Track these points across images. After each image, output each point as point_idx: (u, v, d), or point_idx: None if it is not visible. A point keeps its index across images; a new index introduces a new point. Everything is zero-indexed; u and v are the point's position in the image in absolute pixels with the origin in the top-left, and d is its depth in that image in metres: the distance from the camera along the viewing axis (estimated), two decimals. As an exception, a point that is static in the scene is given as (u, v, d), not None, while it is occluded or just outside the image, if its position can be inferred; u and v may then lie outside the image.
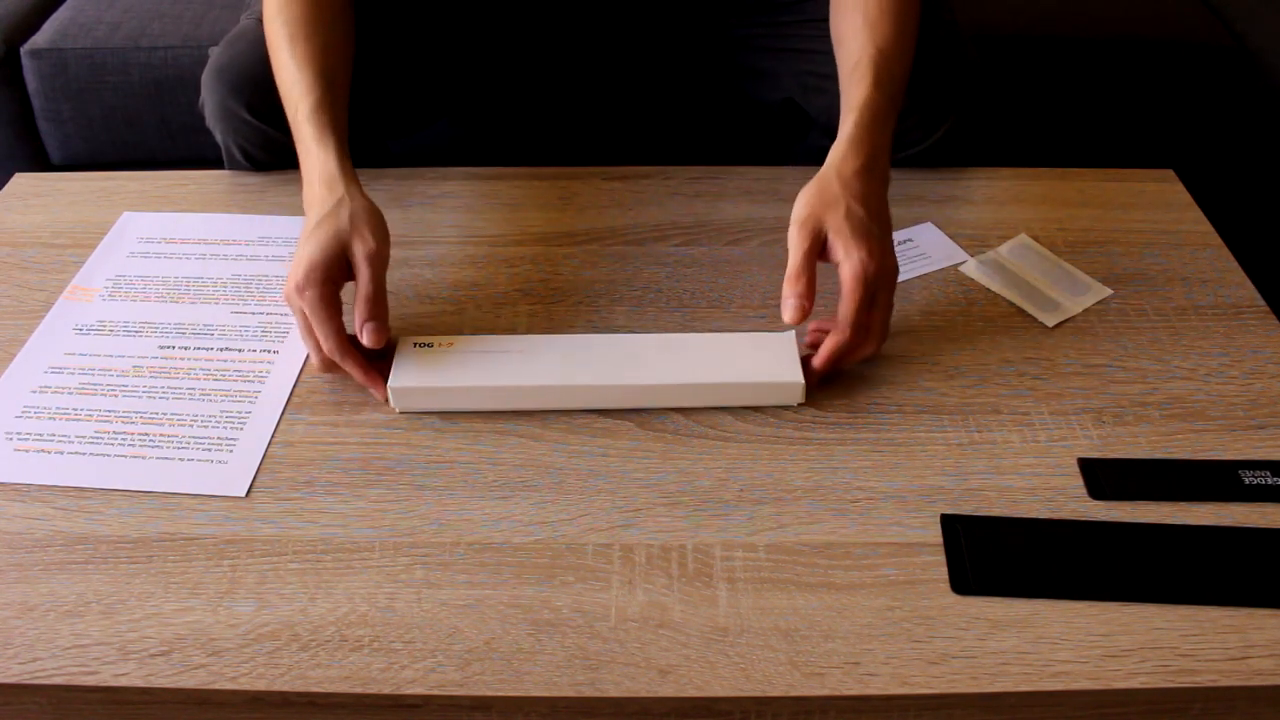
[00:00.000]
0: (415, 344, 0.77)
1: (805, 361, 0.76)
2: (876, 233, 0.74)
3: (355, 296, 0.75)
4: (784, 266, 0.77)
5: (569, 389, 0.75)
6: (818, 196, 0.75)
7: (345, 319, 0.75)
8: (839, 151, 0.78)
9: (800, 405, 0.76)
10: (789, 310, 0.73)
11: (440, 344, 0.77)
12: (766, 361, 0.76)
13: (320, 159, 0.79)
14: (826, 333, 0.76)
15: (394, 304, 0.85)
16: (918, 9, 0.87)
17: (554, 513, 0.68)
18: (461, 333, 0.82)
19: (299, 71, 0.82)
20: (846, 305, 0.73)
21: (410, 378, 0.75)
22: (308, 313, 0.73)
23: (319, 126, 0.79)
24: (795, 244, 0.74)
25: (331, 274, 0.74)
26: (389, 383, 0.74)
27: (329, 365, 0.75)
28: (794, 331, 0.77)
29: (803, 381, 0.74)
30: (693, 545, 0.66)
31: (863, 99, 0.79)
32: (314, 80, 0.81)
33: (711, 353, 0.77)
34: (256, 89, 0.93)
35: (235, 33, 1.00)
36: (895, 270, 0.76)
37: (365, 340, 0.74)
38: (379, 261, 0.75)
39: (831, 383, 0.77)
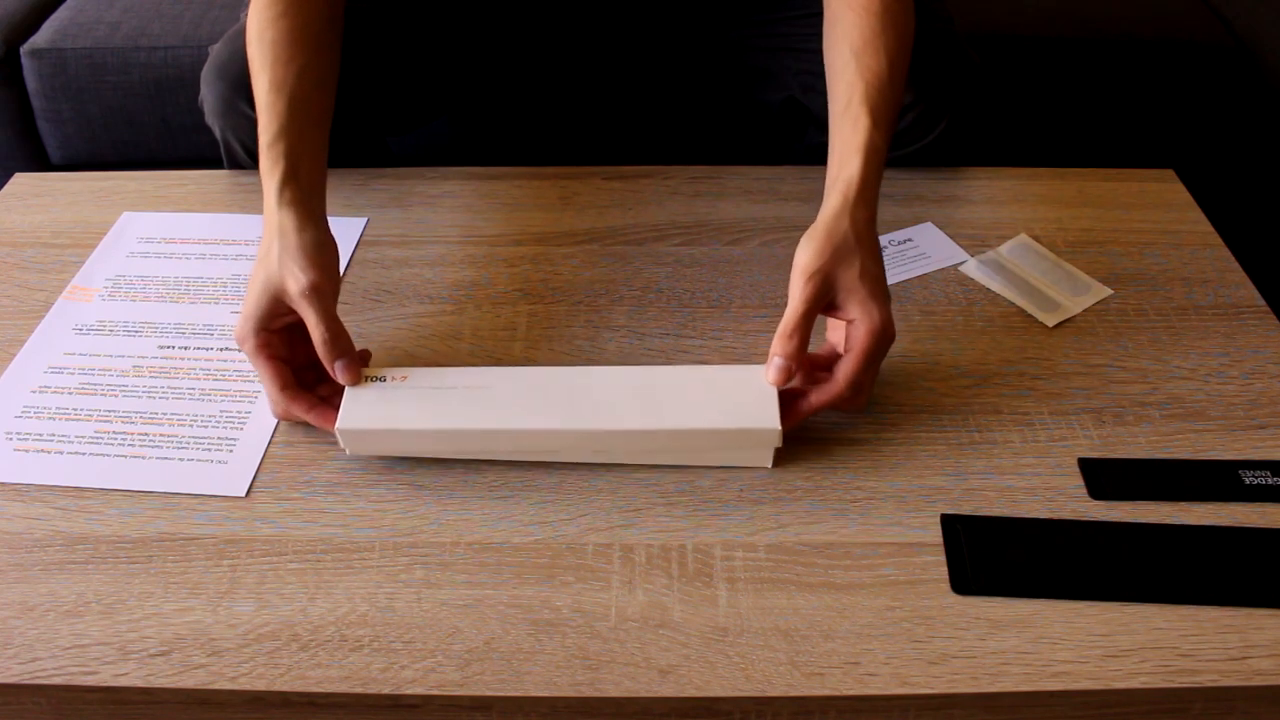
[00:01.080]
0: (366, 378, 0.72)
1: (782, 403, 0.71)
2: (887, 295, 0.71)
3: (312, 338, 0.70)
4: (784, 266, 0.77)
5: (529, 434, 0.69)
6: (829, 247, 0.70)
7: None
8: (846, 198, 0.72)
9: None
10: (775, 371, 0.69)
11: (394, 378, 0.72)
12: (743, 405, 0.70)
13: (266, 191, 0.75)
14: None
15: (394, 303, 0.85)
16: (908, 35, 0.82)
17: (554, 513, 0.68)
18: (461, 336, 0.82)
19: (265, 99, 0.78)
20: (853, 365, 0.69)
21: (360, 419, 0.70)
22: (252, 365, 0.72)
23: (271, 159, 0.75)
24: (798, 296, 0.70)
25: (266, 323, 0.71)
26: (337, 425, 0.69)
27: (283, 415, 0.73)
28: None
29: (779, 428, 0.69)
30: (693, 545, 0.66)
31: (864, 141, 0.74)
32: (278, 110, 0.77)
33: (685, 395, 0.71)
34: None
35: (236, 29, 1.00)
36: (893, 333, 0.71)
37: (341, 379, 0.71)
38: (318, 296, 0.70)
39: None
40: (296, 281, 0.70)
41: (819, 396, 0.70)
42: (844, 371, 0.70)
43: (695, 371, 0.74)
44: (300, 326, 0.72)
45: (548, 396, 0.71)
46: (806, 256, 0.70)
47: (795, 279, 0.70)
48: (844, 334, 0.72)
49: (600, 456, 0.71)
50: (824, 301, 0.70)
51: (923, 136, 0.97)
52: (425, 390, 0.71)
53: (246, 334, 0.71)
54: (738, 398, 0.70)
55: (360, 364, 0.72)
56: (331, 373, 0.71)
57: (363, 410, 0.70)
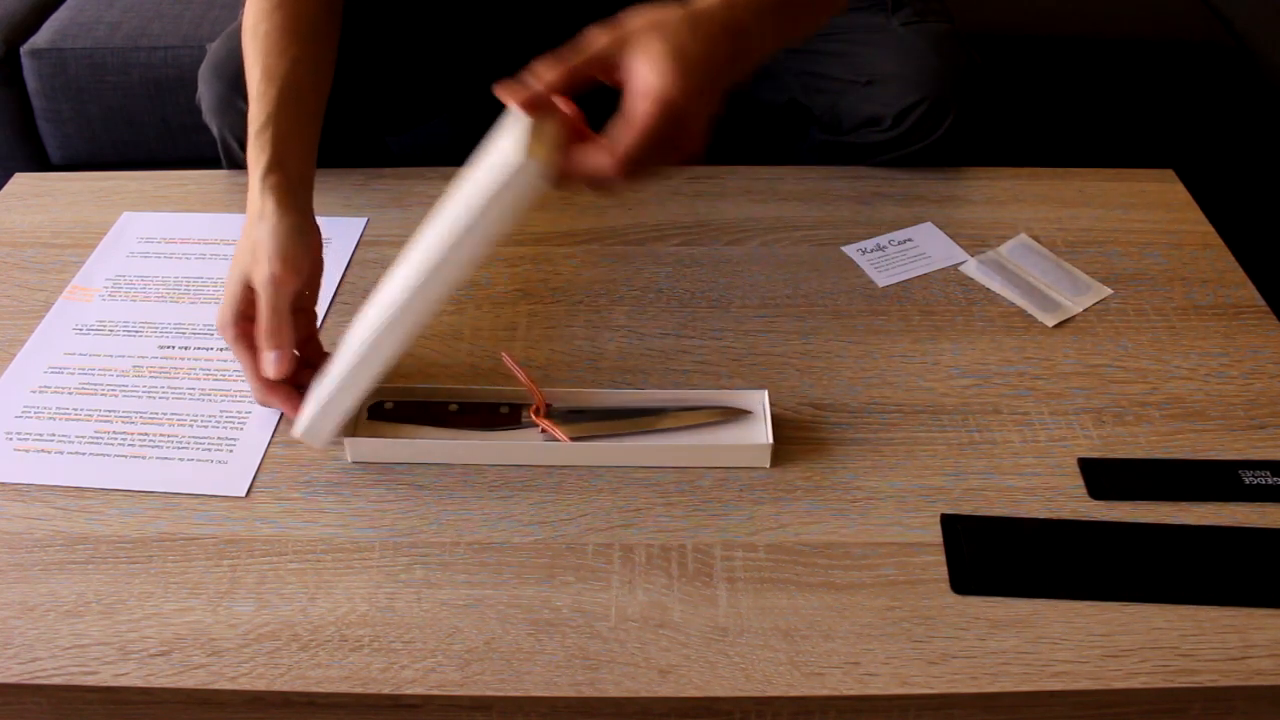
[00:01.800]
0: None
1: None
2: (691, 86, 0.59)
3: (258, 320, 0.70)
4: (784, 266, 0.77)
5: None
6: (644, 21, 0.62)
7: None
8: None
9: (799, 406, 0.75)
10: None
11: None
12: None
13: (251, 180, 0.75)
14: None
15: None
16: None
17: (554, 513, 0.68)
18: (461, 336, 0.82)
19: (256, 87, 0.78)
20: (629, 133, 0.60)
21: (314, 425, 0.70)
22: (233, 355, 0.73)
23: (259, 147, 0.75)
24: (586, 48, 0.62)
25: (244, 310, 0.71)
26: (293, 431, 0.71)
27: (264, 402, 0.73)
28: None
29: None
30: (693, 545, 0.66)
31: None
32: (269, 98, 0.77)
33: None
34: None
35: (233, 27, 1.00)
36: (698, 150, 0.62)
37: (267, 371, 0.70)
38: (273, 286, 0.69)
39: (831, 381, 0.77)
40: (260, 270, 0.70)
41: (585, 168, 0.62)
42: (616, 145, 0.61)
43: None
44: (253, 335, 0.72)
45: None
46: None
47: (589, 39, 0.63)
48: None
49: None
50: (597, 64, 0.62)
51: (928, 136, 0.97)
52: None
53: (225, 322, 0.72)
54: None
55: (297, 363, 0.72)
56: (262, 362, 0.71)
57: (319, 417, 0.70)
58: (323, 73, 0.83)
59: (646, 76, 0.60)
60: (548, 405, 0.73)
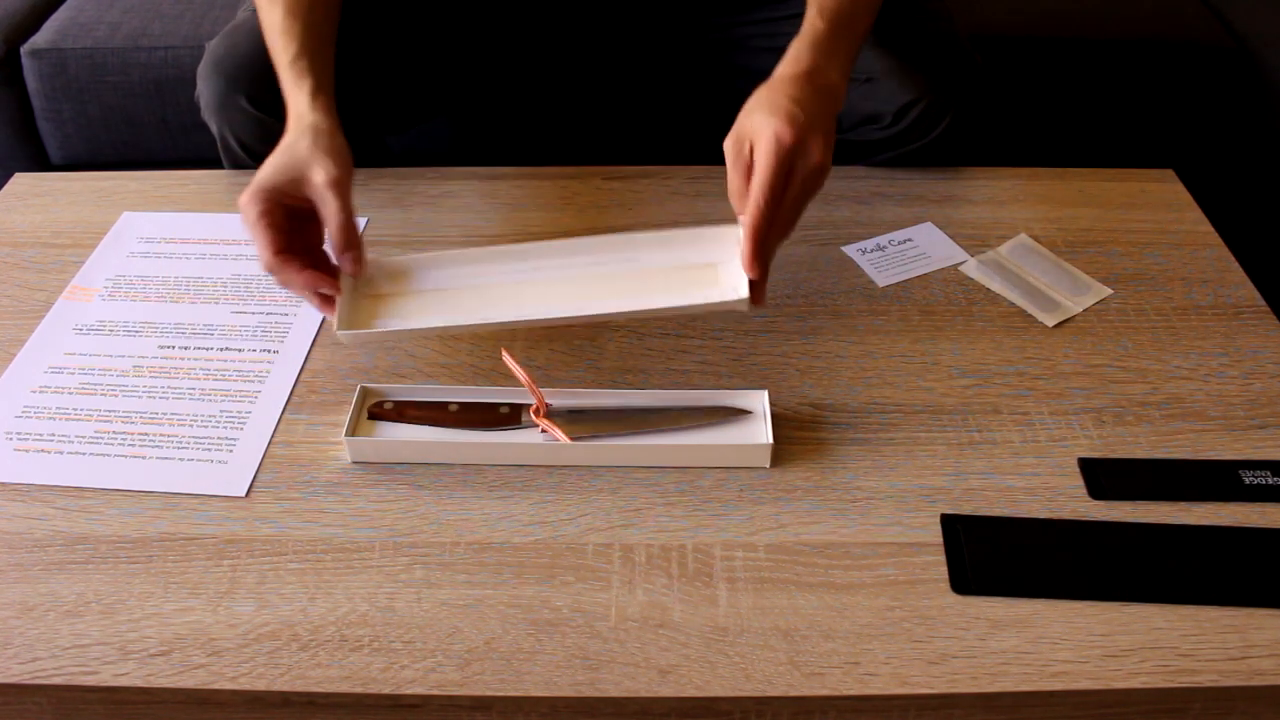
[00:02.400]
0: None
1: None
2: (799, 114, 0.70)
3: (328, 226, 0.74)
4: (784, 266, 0.77)
5: (515, 322, 0.75)
6: (744, 107, 0.74)
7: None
8: (777, 69, 0.77)
9: (799, 406, 0.75)
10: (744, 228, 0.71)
11: (387, 280, 0.78)
12: (717, 277, 0.75)
13: (294, 100, 0.79)
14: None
15: (394, 304, 0.85)
16: None
17: (554, 513, 0.68)
18: (461, 335, 0.82)
19: (283, 22, 0.82)
20: (759, 174, 0.70)
21: (357, 324, 0.75)
22: (248, 230, 0.74)
23: (297, 72, 0.80)
24: (727, 155, 0.73)
25: (279, 197, 0.74)
26: (336, 330, 0.74)
27: (278, 281, 0.76)
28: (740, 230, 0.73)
29: (746, 295, 0.71)
30: (693, 545, 0.66)
31: (803, 29, 0.79)
32: (296, 30, 0.82)
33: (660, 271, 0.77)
34: (255, 79, 0.94)
35: (233, 25, 1.00)
36: (820, 154, 0.71)
37: (347, 269, 0.75)
38: (341, 188, 0.74)
39: (831, 381, 0.77)
40: (326, 172, 0.74)
41: (747, 226, 0.70)
42: (752, 185, 0.70)
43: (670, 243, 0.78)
44: (301, 214, 0.75)
45: (536, 287, 0.77)
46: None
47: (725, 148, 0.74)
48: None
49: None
50: (742, 150, 0.72)
51: (926, 134, 0.97)
52: (415, 295, 0.77)
53: (253, 198, 0.74)
54: (707, 253, 0.76)
55: (364, 260, 0.76)
56: (339, 260, 0.75)
57: (360, 316, 0.75)
58: (332, 13, 0.87)
59: (758, 133, 0.71)
60: (548, 405, 0.73)
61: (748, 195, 0.71)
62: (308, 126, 0.77)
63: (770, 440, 0.71)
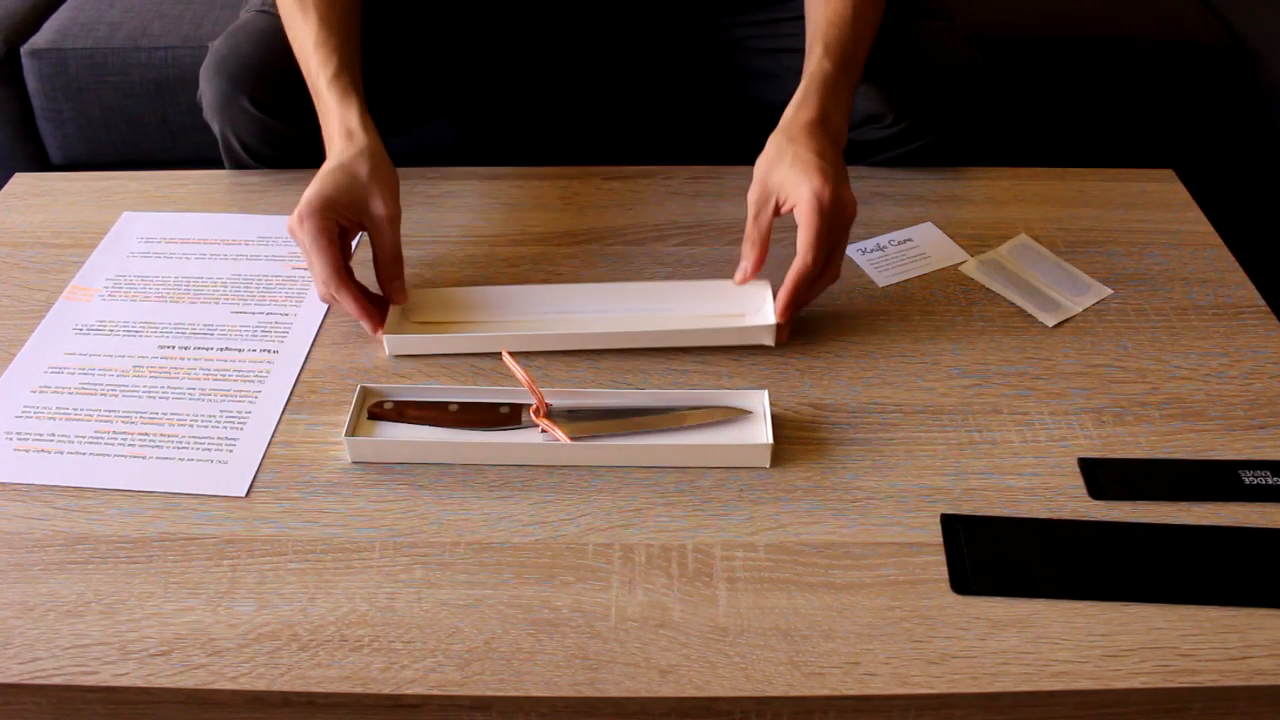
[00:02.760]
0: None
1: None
2: (828, 169, 0.76)
3: (377, 256, 0.80)
4: (784, 266, 0.77)
5: (554, 337, 0.79)
6: (763, 160, 0.79)
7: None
8: (787, 113, 0.81)
9: (799, 406, 0.75)
10: (738, 272, 0.81)
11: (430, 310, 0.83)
12: (741, 304, 0.82)
13: (342, 116, 0.82)
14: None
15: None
16: None
17: (554, 513, 0.68)
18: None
19: (319, 34, 0.84)
20: (804, 236, 0.75)
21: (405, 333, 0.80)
22: (306, 245, 0.77)
23: (342, 88, 0.83)
24: (750, 206, 0.79)
25: (337, 213, 0.77)
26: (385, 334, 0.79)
27: (327, 297, 0.79)
28: (769, 282, 0.80)
29: (774, 323, 0.78)
30: (693, 545, 0.66)
31: (811, 68, 0.83)
32: (335, 44, 0.84)
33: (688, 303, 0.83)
34: (258, 80, 0.94)
35: (236, 25, 1.00)
36: (852, 205, 0.77)
37: (395, 300, 0.80)
38: (397, 223, 0.79)
39: (831, 381, 0.77)
40: (386, 206, 0.79)
41: (791, 277, 0.77)
42: (799, 245, 0.76)
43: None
44: (335, 235, 0.78)
45: (571, 313, 0.83)
46: (754, 170, 0.80)
47: (749, 193, 0.80)
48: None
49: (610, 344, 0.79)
50: (768, 204, 0.78)
51: (926, 134, 0.97)
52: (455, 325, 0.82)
53: (314, 212, 0.76)
54: (737, 304, 0.83)
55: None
56: (386, 292, 0.80)
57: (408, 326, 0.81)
58: (359, 19, 0.90)
59: (792, 192, 0.76)
60: (548, 405, 0.73)
61: (759, 245, 0.79)
62: (364, 149, 0.80)
63: (770, 440, 0.71)
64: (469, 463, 0.71)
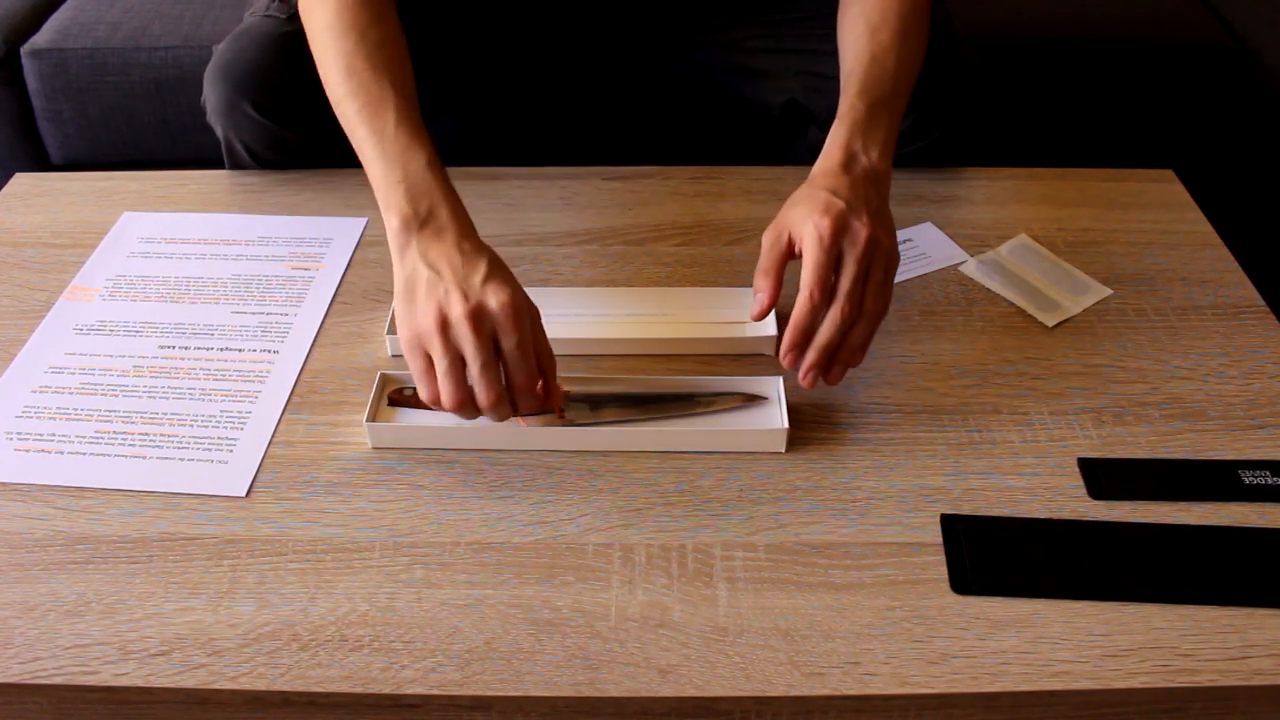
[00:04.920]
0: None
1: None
2: (836, 203, 0.70)
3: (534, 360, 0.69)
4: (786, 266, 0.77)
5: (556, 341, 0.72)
6: (789, 203, 0.74)
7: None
8: (816, 164, 0.76)
9: (799, 406, 0.75)
10: (755, 304, 0.72)
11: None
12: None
13: (453, 212, 0.73)
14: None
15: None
16: (925, 14, 0.86)
17: (554, 513, 0.68)
18: None
19: (377, 81, 0.76)
20: (804, 265, 0.70)
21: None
22: (520, 356, 0.67)
23: (410, 142, 0.74)
24: (764, 245, 0.73)
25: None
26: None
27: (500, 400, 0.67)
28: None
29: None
30: (693, 545, 0.66)
31: (845, 108, 0.78)
32: (391, 94, 0.76)
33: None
34: (262, 85, 0.94)
35: (240, 29, 1.00)
36: (869, 233, 0.70)
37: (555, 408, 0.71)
38: (530, 318, 0.69)
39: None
40: (525, 312, 0.68)
41: (794, 311, 0.70)
42: (803, 279, 0.70)
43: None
44: None
45: (572, 313, 0.81)
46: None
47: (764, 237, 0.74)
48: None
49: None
50: (780, 239, 0.72)
51: (924, 136, 0.97)
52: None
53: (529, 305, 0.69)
54: (739, 312, 0.81)
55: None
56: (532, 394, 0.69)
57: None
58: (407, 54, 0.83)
59: (798, 226, 0.71)
60: (566, 393, 0.73)
61: (772, 274, 0.71)
62: (458, 240, 0.70)
63: (786, 425, 0.71)
64: (489, 448, 0.72)
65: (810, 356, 0.71)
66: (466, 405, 0.67)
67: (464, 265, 0.68)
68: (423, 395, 0.68)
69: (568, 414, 0.72)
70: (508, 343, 0.66)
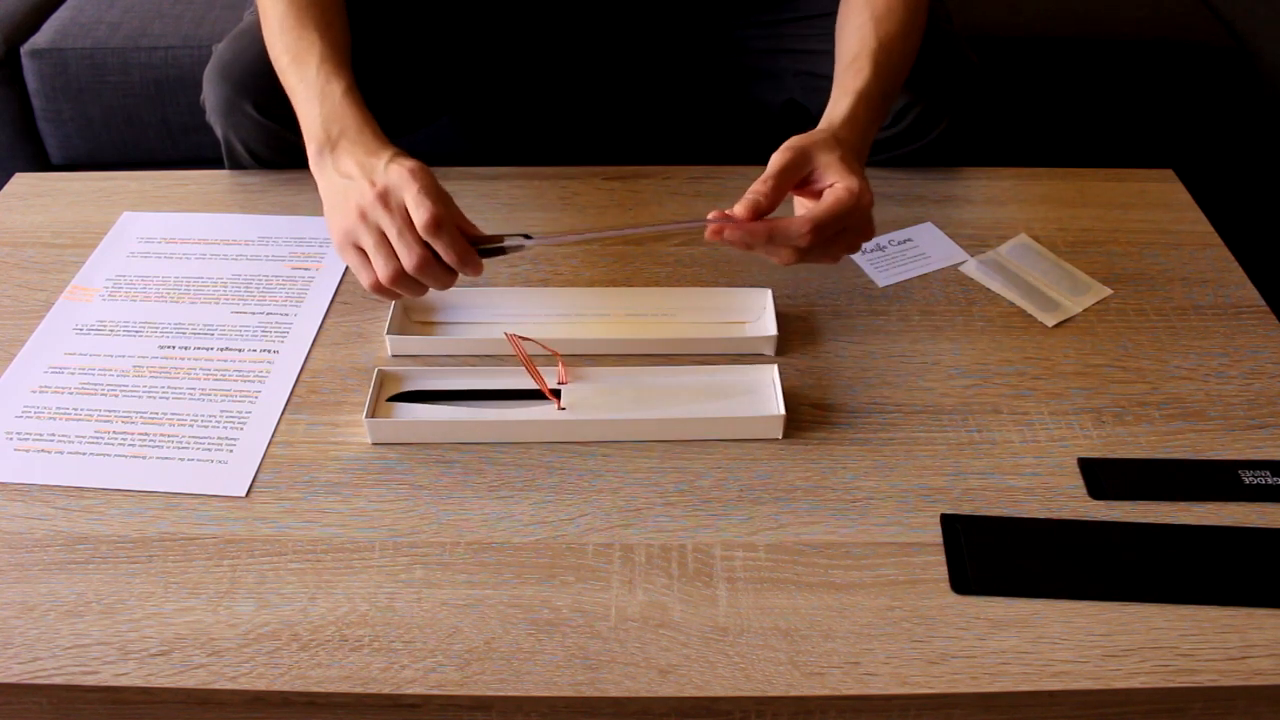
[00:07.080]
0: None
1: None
2: (870, 194, 0.73)
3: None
4: (784, 267, 0.77)
5: (556, 342, 0.76)
6: (808, 137, 0.74)
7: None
8: (833, 121, 0.77)
9: (799, 406, 0.75)
10: (742, 205, 0.71)
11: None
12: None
13: (341, 113, 0.77)
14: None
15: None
16: (924, 11, 0.87)
17: (554, 513, 0.68)
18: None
19: (305, 34, 0.81)
20: (822, 205, 0.71)
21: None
22: (409, 190, 0.70)
23: (333, 78, 0.78)
24: (774, 160, 0.72)
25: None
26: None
27: (431, 228, 0.71)
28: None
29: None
30: (693, 545, 0.66)
31: (861, 86, 0.79)
32: (314, 40, 0.80)
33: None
34: (262, 85, 0.94)
35: (240, 29, 1.00)
36: (872, 222, 0.75)
37: (475, 273, 0.74)
38: (440, 224, 0.72)
39: (831, 381, 0.77)
40: (425, 214, 0.70)
41: (775, 224, 0.71)
42: (812, 211, 0.71)
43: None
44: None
45: (572, 312, 0.83)
46: (787, 141, 0.74)
47: (774, 156, 0.73)
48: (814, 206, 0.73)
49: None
50: (799, 169, 0.72)
51: (922, 136, 0.97)
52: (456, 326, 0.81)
53: (423, 171, 0.72)
54: (738, 313, 0.82)
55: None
56: (472, 270, 0.73)
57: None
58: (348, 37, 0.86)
59: (845, 175, 0.72)
60: (500, 237, 0.75)
61: (779, 189, 0.71)
62: (373, 150, 0.74)
63: (782, 411, 0.71)
64: (490, 441, 0.72)
65: (741, 230, 0.71)
66: (400, 277, 0.72)
67: (370, 161, 0.73)
68: (364, 283, 0.73)
69: (507, 243, 0.74)
70: (407, 195, 0.71)
